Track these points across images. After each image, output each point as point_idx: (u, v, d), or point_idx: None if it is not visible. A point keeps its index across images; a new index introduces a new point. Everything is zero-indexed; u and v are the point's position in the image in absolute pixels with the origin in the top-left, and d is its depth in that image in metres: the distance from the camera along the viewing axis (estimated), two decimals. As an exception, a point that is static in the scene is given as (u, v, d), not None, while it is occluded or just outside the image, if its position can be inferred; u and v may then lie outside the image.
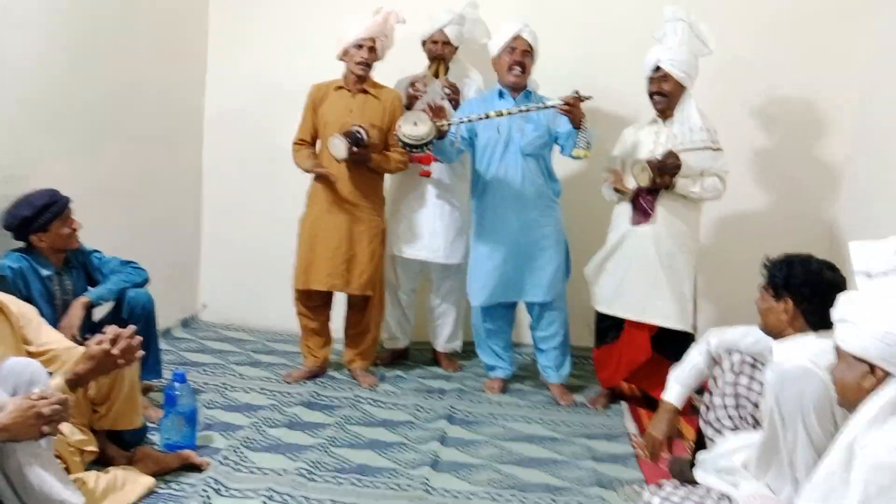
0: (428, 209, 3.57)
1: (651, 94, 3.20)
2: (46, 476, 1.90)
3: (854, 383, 1.65)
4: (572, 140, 3.15)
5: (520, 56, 3.24)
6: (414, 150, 3.09)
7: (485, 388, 3.50)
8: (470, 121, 3.17)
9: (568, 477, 2.65)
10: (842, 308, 1.72)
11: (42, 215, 2.61)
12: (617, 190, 3.27)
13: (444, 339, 3.79)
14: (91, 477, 2.19)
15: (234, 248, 4.28)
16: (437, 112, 3.07)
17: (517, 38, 3.24)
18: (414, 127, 3.03)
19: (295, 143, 3.43)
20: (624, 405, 3.40)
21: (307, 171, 3.37)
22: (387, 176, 3.53)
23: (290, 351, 3.87)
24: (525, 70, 3.27)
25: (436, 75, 3.50)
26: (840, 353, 1.70)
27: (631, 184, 3.19)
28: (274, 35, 4.14)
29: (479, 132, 3.32)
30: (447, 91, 3.40)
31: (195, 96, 4.21)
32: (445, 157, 3.30)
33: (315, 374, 3.51)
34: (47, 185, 2.74)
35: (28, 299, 2.55)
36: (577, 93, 3.05)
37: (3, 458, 1.85)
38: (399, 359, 3.85)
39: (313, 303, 3.45)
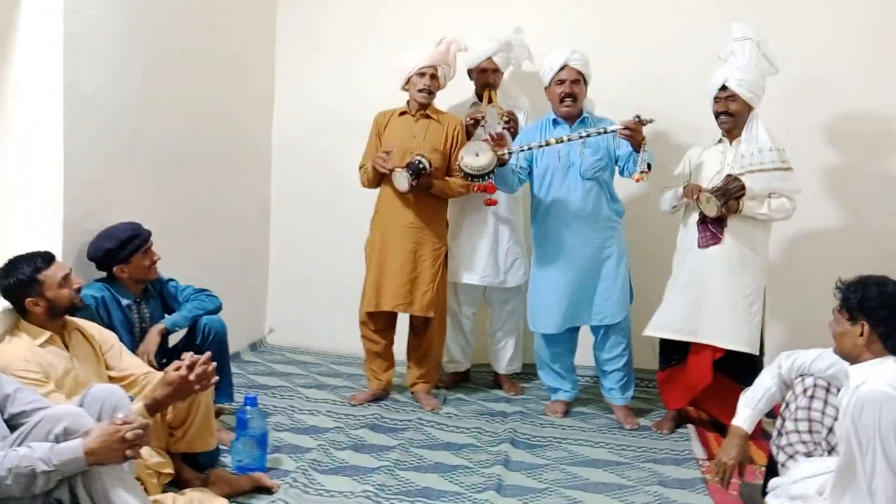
0: (487, 235, 3.62)
1: (717, 114, 3.16)
2: (130, 498, 1.98)
3: None
4: (632, 162, 3.14)
5: (569, 87, 3.25)
6: (475, 179, 3.13)
7: (546, 412, 3.48)
8: (530, 149, 3.20)
9: (635, 502, 2.61)
10: None
11: (125, 248, 2.74)
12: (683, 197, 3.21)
13: (506, 361, 3.80)
14: (168, 499, 2.28)
15: (300, 274, 4.40)
16: (497, 141, 3.11)
17: (565, 67, 3.25)
18: (476, 157, 3.07)
19: (361, 168, 3.51)
20: (691, 429, 3.33)
21: (372, 172, 3.38)
22: (450, 201, 3.58)
23: (353, 373, 3.94)
24: (577, 99, 3.28)
25: (490, 102, 3.54)
26: None
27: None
28: (338, 66, 4.27)
29: (538, 159, 3.34)
30: (505, 119, 3.43)
31: (263, 126, 4.37)
32: (507, 186, 3.31)
33: (379, 397, 3.56)
34: (124, 218, 2.88)
35: (110, 327, 2.68)
36: (637, 117, 3.05)
37: (90, 480, 1.94)
38: (461, 382, 3.88)
39: (378, 325, 3.51)
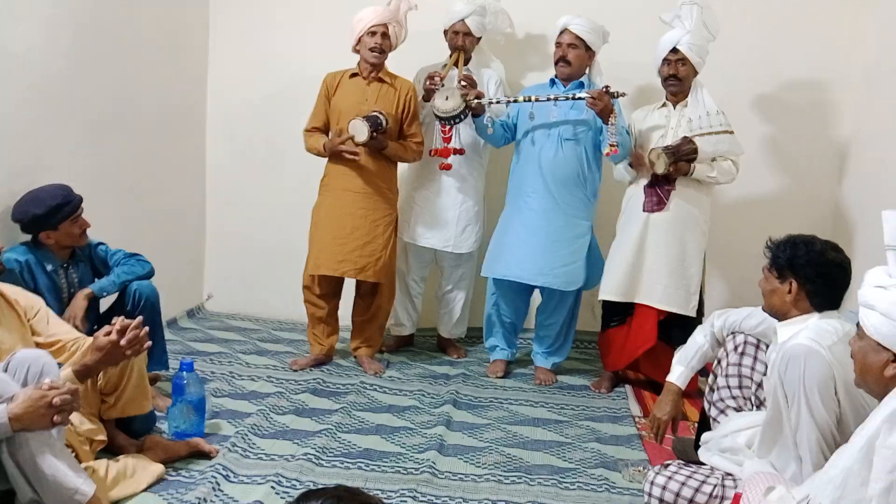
0: (443, 199, 3.59)
1: (665, 78, 3.21)
2: (59, 465, 1.93)
3: (876, 369, 1.61)
4: (604, 136, 3.17)
5: (563, 50, 3.32)
6: (446, 122, 3.30)
7: (487, 372, 3.52)
8: (499, 102, 3.34)
9: (573, 458, 2.67)
10: (868, 292, 1.65)
11: (54, 216, 2.61)
12: (631, 166, 3.28)
13: (451, 325, 3.81)
14: (101, 465, 2.22)
15: (239, 239, 4.30)
16: (467, 87, 3.28)
17: (565, 31, 3.31)
18: (445, 101, 3.25)
19: (306, 131, 3.44)
20: (628, 388, 3.42)
21: (323, 151, 3.35)
22: (401, 165, 3.54)
23: (295, 339, 3.90)
24: (570, 63, 3.31)
25: (455, 65, 3.49)
26: (862, 332, 1.66)
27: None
28: (276, 27, 4.13)
29: (519, 115, 3.41)
30: (463, 84, 3.37)
31: (198, 89, 4.21)
32: (486, 138, 3.45)
33: (321, 362, 3.53)
34: (53, 179, 2.75)
35: (35, 291, 2.57)
36: (606, 88, 3.08)
37: (16, 447, 1.87)
38: (404, 345, 3.88)
39: (322, 290, 3.46)
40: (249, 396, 3.09)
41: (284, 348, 3.78)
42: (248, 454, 2.56)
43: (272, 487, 2.32)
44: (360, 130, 3.20)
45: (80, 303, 2.70)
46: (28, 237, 2.70)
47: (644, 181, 3.25)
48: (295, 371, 3.43)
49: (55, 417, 1.87)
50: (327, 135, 3.42)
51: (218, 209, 4.34)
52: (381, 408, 3.06)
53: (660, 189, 3.18)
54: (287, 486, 2.35)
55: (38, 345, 2.36)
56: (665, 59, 3.18)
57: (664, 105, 3.28)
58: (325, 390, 3.22)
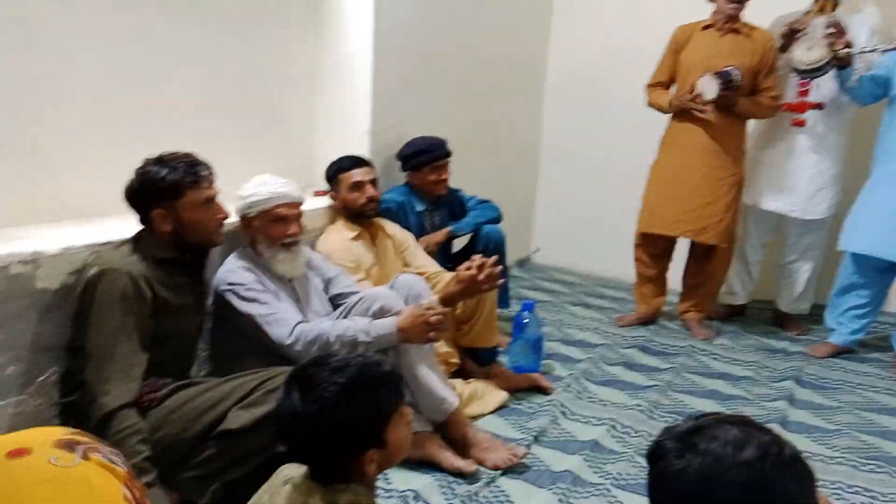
0: (794, 159, 3.27)
1: None
2: (432, 375, 2.20)
3: None
4: None
5: None
6: (806, 76, 3.04)
7: (809, 351, 3.20)
8: (872, 51, 2.96)
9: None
10: None
11: (416, 157, 2.95)
12: None
13: (792, 299, 3.50)
14: (458, 384, 2.48)
15: (568, 196, 4.42)
16: (835, 35, 2.92)
17: None
18: (807, 52, 2.97)
19: (650, 86, 3.37)
20: None
21: (667, 107, 3.27)
22: (749, 123, 3.33)
23: (618, 297, 3.93)
24: None
25: (821, 11, 3.15)
26: None
27: None
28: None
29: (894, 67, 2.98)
30: (830, 31, 3.01)
31: (540, 50, 4.38)
32: (851, 94, 3.08)
33: (646, 322, 3.51)
34: (425, 133, 3.07)
35: (406, 228, 2.93)
36: None
37: (400, 355, 2.18)
38: (734, 315, 3.67)
39: (654, 250, 3.42)
40: (579, 344, 3.20)
41: (608, 304, 3.83)
42: (582, 396, 2.66)
43: (608, 430, 2.39)
44: (710, 88, 3.06)
45: (440, 236, 3.00)
46: (405, 183, 3.07)
47: None
48: (621, 327, 3.46)
49: (431, 334, 2.14)
50: (669, 89, 3.33)
51: (550, 165, 4.50)
52: (714, 373, 2.96)
53: None
54: (622, 432, 2.40)
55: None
56: None
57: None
58: (653, 349, 3.20)
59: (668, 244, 3.42)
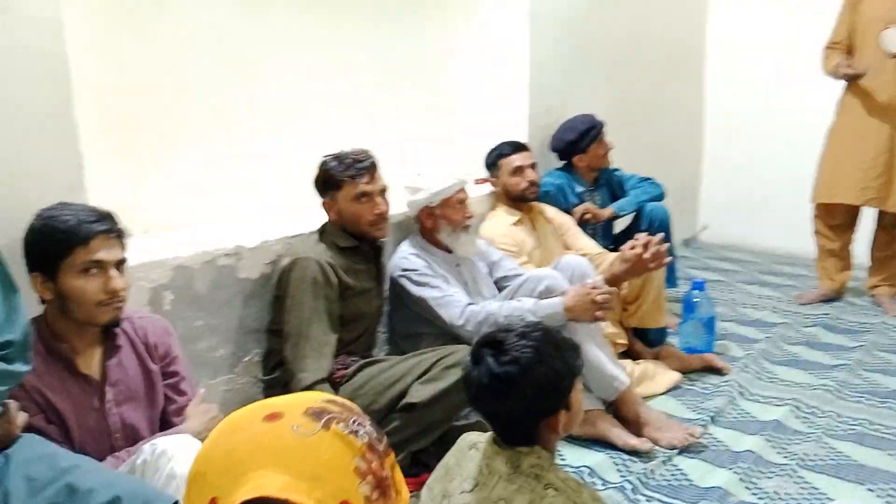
0: None
1: None
2: (601, 354, 2.21)
3: None
4: None
5: None
6: None
7: None
8: None
9: None
10: None
11: (584, 139, 2.95)
12: None
13: None
14: (627, 364, 2.47)
15: (737, 171, 4.21)
16: None
17: None
18: None
19: (826, 48, 3.13)
20: None
21: (832, 74, 3.06)
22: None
23: (796, 273, 3.70)
24: None
25: None
26: None
27: None
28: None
29: None
30: None
31: (698, 25, 4.20)
32: None
33: (830, 298, 3.28)
34: (579, 111, 3.08)
35: (566, 211, 2.94)
36: None
37: (568, 334, 2.20)
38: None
39: (836, 221, 3.19)
40: (755, 324, 3.06)
41: (786, 281, 3.61)
42: (762, 376, 2.55)
43: (791, 411, 2.28)
44: (891, 41, 2.80)
45: (604, 213, 2.98)
46: (561, 164, 3.09)
47: None
48: (802, 305, 3.26)
49: (597, 313, 2.15)
50: (850, 53, 3.07)
51: (715, 138, 4.31)
52: (911, 352, 2.72)
53: None
54: (807, 412, 2.28)
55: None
56: None
57: None
58: (839, 327, 2.99)
59: (850, 214, 3.17)
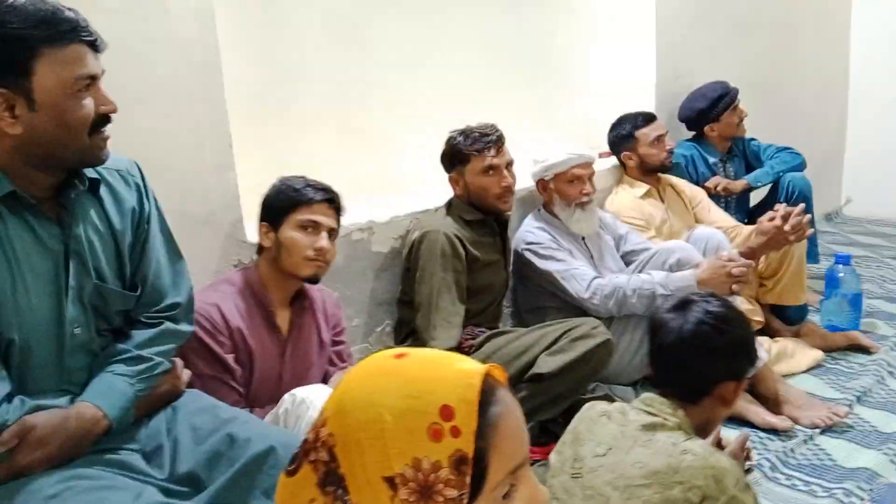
0: None
1: None
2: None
3: None
4: None
5: None
6: None
7: None
8: None
9: None
10: None
11: (716, 107, 2.83)
12: None
13: None
14: (764, 341, 2.36)
15: (884, 140, 3.90)
16: None
17: None
18: None
19: None
20: None
21: None
22: None
23: (957, 249, 3.40)
24: None
25: None
26: None
27: None
28: None
29: None
30: None
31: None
32: None
33: None
34: (707, 79, 2.95)
35: (697, 183, 2.84)
36: None
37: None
38: None
39: None
40: (907, 301, 2.84)
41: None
42: (915, 356, 2.37)
43: (950, 393, 2.11)
44: None
45: (737, 185, 2.84)
46: (691, 134, 2.97)
47: None
48: (964, 282, 2.99)
49: (733, 286, 2.07)
50: None
51: (860, 105, 4.00)
52: None
53: None
54: (970, 396, 2.10)
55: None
56: None
57: None
58: None
59: None
